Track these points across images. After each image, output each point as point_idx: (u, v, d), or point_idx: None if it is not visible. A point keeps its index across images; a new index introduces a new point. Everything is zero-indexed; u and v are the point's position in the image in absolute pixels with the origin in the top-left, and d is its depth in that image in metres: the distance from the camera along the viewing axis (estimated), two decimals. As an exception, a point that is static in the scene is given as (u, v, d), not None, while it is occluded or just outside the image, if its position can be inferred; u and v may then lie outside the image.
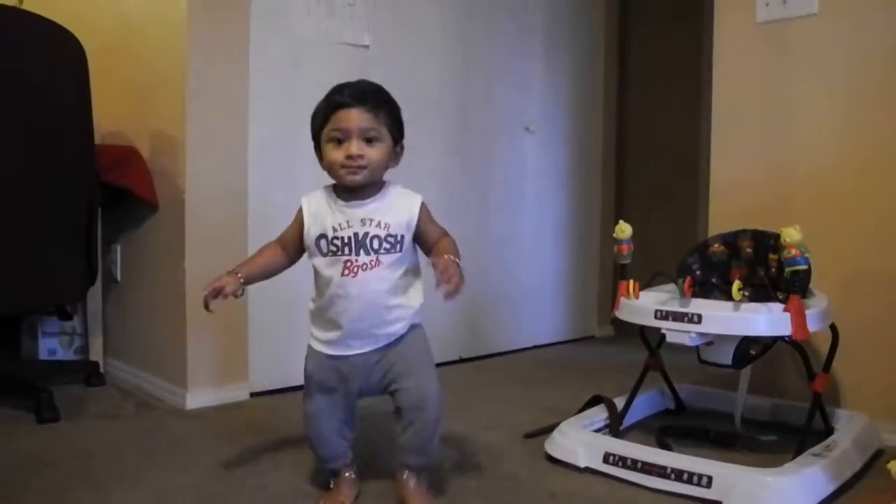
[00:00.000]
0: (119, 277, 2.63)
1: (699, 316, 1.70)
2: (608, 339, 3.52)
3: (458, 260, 1.46)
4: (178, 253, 2.27)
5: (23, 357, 2.82)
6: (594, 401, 2.13)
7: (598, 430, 1.96)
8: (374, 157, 1.45)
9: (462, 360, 2.97)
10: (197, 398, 2.28)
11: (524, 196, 3.24)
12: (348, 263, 1.45)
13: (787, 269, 1.70)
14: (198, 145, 2.26)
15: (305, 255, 1.55)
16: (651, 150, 3.65)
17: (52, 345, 2.77)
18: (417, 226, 1.50)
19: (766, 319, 1.68)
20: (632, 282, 1.91)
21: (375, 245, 1.46)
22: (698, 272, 2.04)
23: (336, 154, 1.44)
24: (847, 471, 1.68)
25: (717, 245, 2.06)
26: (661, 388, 2.23)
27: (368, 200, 1.49)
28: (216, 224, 2.29)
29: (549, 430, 1.95)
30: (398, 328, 1.51)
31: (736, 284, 1.75)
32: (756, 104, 2.26)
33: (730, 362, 1.84)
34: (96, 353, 2.63)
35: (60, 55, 2.14)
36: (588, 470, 1.77)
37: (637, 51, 3.71)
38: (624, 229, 1.92)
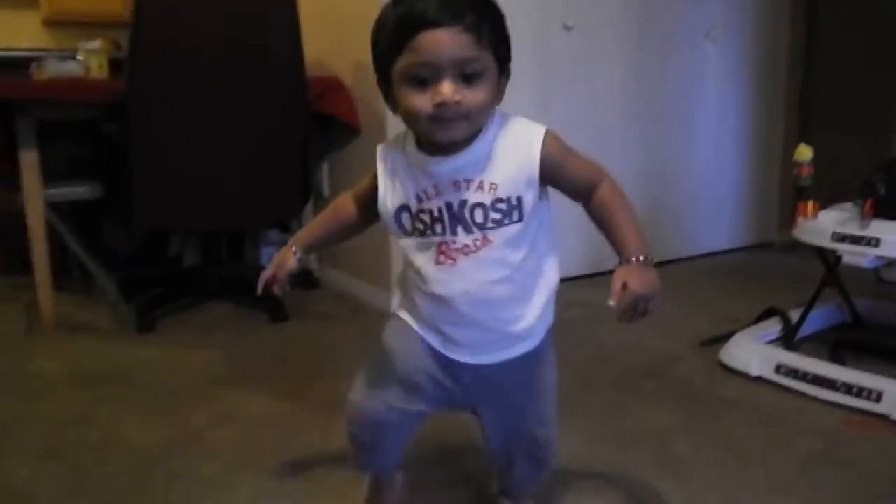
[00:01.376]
0: (327, 193, 2.96)
1: (877, 240, 1.76)
2: (787, 246, 3.52)
3: (647, 256, 0.99)
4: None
5: (245, 263, 3.26)
6: (769, 313, 2.23)
7: (771, 342, 2.07)
8: (477, 101, 0.94)
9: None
10: (400, 302, 2.58)
11: (705, 106, 3.25)
12: (443, 247, 1.00)
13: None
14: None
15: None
16: (840, 65, 3.48)
17: (272, 253, 3.18)
18: (544, 171, 0.99)
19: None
20: (811, 203, 1.97)
21: (479, 218, 0.98)
22: (883, 192, 2.05)
23: (419, 100, 0.93)
24: None
25: (907, 164, 2.06)
26: (838, 301, 2.28)
27: (462, 151, 0.98)
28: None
29: (724, 338, 2.08)
30: (529, 333, 1.07)
31: (922, 208, 1.78)
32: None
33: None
34: (311, 261, 3.00)
35: (274, 5, 2.39)
36: (760, 379, 1.90)
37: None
38: (804, 152, 1.97)
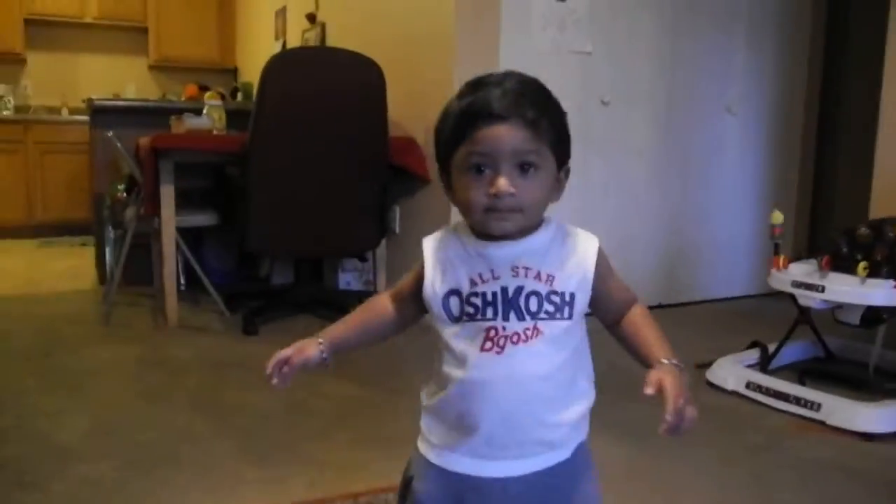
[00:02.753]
0: (398, 231, 3.56)
1: (823, 287, 2.27)
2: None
3: (680, 368, 0.97)
4: (442, 214, 3.12)
5: (325, 284, 3.88)
6: (754, 344, 2.73)
7: (750, 366, 2.58)
8: (532, 195, 0.95)
9: (661, 306, 3.63)
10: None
11: (725, 169, 3.79)
12: (492, 332, 0.96)
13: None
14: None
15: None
16: (852, 131, 3.98)
17: (349, 278, 3.80)
18: (594, 282, 1.00)
19: (876, 293, 2.21)
20: (783, 257, 2.49)
21: (533, 306, 0.97)
22: (845, 250, 2.55)
23: (476, 191, 0.94)
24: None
25: (863, 230, 2.55)
26: (813, 338, 2.78)
27: (523, 239, 0.98)
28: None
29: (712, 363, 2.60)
30: (562, 442, 1.01)
31: (861, 264, 2.29)
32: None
33: (857, 323, 2.38)
34: (380, 286, 3.60)
35: (367, 81, 3.03)
36: (734, 393, 2.42)
37: (853, 34, 4.01)
38: (777, 217, 2.50)
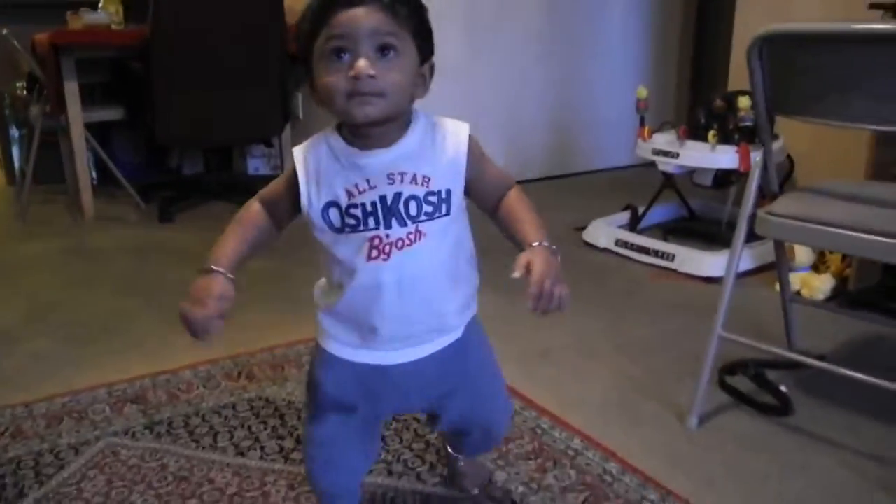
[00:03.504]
0: (301, 116, 3.72)
1: (678, 153, 2.60)
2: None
3: (551, 250, 1.01)
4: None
5: (234, 172, 4.05)
6: (627, 207, 3.08)
7: (621, 227, 2.93)
8: (393, 79, 0.94)
9: (550, 178, 3.94)
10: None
11: (607, 46, 4.04)
12: (376, 241, 0.99)
13: (740, 125, 2.54)
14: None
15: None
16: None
17: (257, 163, 3.98)
18: (467, 172, 1.02)
19: (722, 157, 2.55)
20: (647, 128, 2.80)
21: (413, 210, 0.99)
22: (703, 120, 2.88)
23: (336, 76, 0.93)
24: (768, 258, 2.59)
25: (718, 102, 2.87)
26: (679, 201, 3.14)
27: (394, 144, 0.99)
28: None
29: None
30: (456, 325, 1.10)
31: (711, 132, 2.61)
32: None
33: (710, 184, 2.73)
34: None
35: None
36: (605, 250, 2.77)
37: None
38: (642, 92, 2.79)
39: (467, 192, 1.04)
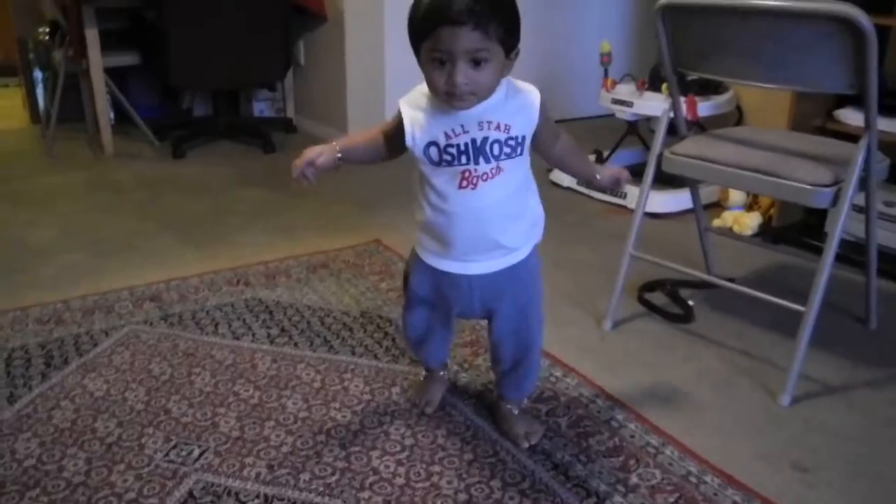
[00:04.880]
0: (303, 63, 4.03)
1: (632, 103, 2.91)
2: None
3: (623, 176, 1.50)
4: (340, 47, 3.62)
5: (240, 114, 4.37)
6: (594, 152, 3.39)
7: (585, 169, 3.24)
8: (484, 81, 1.18)
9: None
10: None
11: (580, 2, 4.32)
12: (466, 174, 1.25)
13: (687, 79, 2.84)
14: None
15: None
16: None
17: (262, 107, 4.30)
18: (537, 126, 1.29)
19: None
20: (610, 80, 3.10)
21: (496, 151, 1.24)
22: (660, 74, 3.17)
23: (438, 78, 1.18)
24: (713, 197, 2.92)
25: (676, 54, 3.17)
26: (642, 147, 3.45)
27: (484, 100, 1.23)
28: (365, 30, 3.60)
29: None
30: (520, 246, 1.37)
31: (664, 85, 2.91)
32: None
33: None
34: (290, 112, 4.12)
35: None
36: (568, 188, 3.10)
37: None
38: (605, 46, 3.08)
39: (532, 138, 1.30)
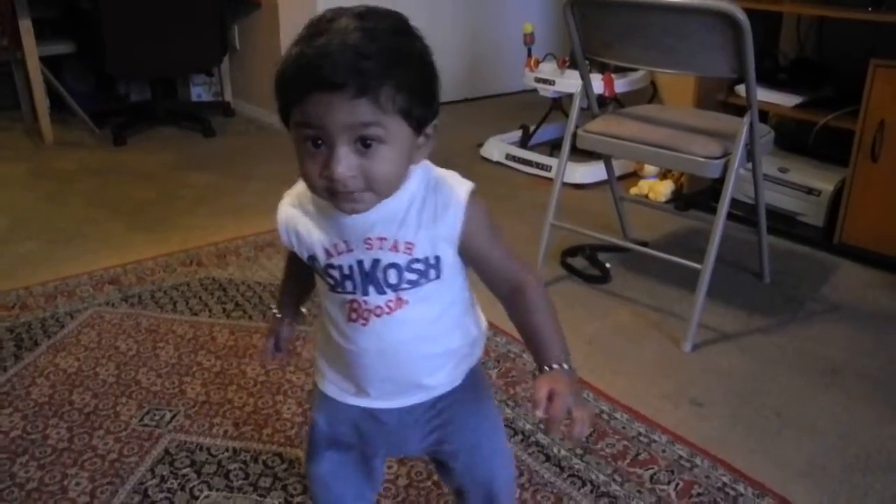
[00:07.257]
0: (238, 47, 4.13)
1: (553, 81, 3.12)
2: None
3: (572, 372, 0.91)
4: (274, 31, 3.73)
5: (178, 99, 4.45)
6: (521, 127, 3.60)
7: (513, 143, 3.45)
8: (379, 172, 0.80)
9: (465, 100, 4.43)
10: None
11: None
12: (355, 305, 0.92)
13: (603, 56, 3.06)
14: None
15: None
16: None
17: (199, 91, 4.39)
18: (465, 245, 0.91)
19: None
20: (534, 58, 3.30)
21: (393, 279, 0.89)
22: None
23: (312, 167, 0.81)
24: (630, 168, 3.16)
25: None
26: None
27: (376, 205, 0.85)
28: (298, 15, 3.71)
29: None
30: (447, 382, 1.01)
31: (584, 62, 3.12)
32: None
33: (585, 108, 3.26)
34: (227, 95, 4.22)
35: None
36: (498, 163, 3.31)
37: None
38: (527, 27, 3.27)
39: (471, 262, 0.94)
